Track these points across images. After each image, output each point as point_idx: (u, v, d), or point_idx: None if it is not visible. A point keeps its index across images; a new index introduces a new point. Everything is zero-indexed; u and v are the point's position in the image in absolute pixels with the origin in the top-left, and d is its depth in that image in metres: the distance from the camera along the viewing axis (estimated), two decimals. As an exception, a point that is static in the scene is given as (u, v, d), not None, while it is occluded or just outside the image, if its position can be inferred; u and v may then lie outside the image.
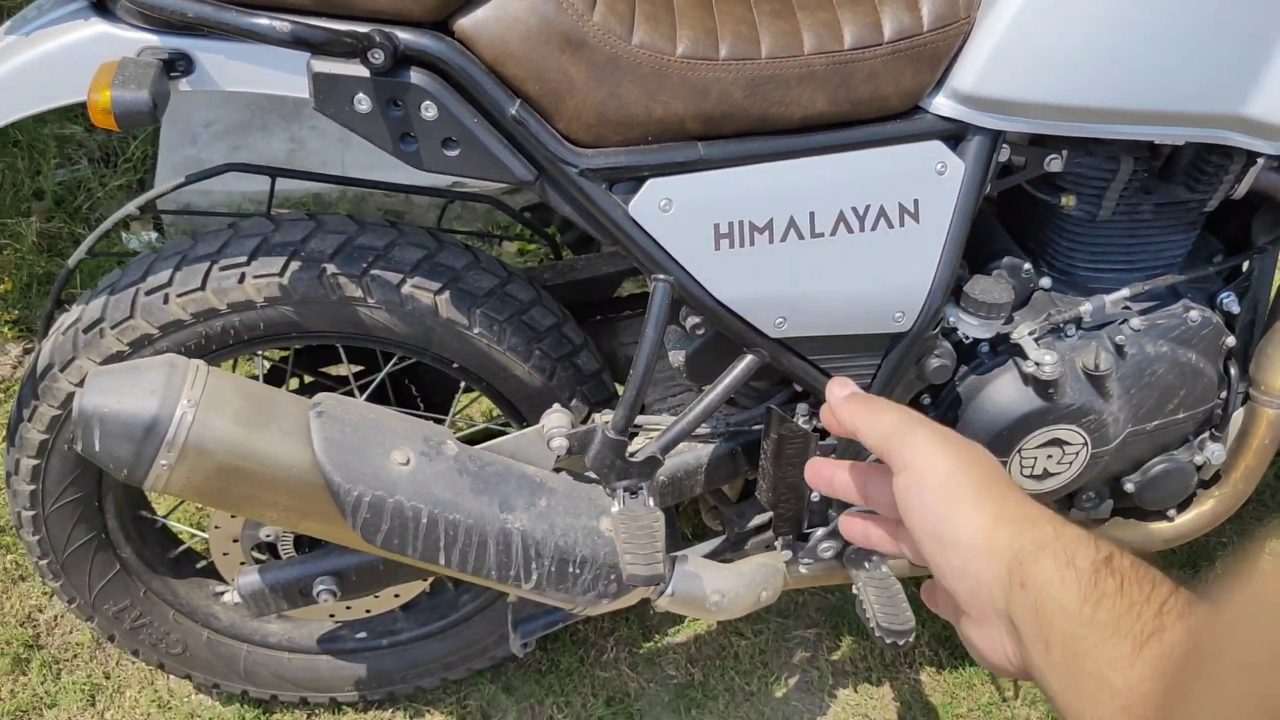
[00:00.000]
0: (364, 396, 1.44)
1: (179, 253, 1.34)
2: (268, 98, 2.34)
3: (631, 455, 1.30)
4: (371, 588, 1.47)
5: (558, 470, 1.35)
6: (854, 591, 1.51)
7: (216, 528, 1.49)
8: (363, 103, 1.09)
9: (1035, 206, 1.45)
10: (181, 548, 1.62)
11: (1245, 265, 1.52)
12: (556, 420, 1.31)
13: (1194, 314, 1.47)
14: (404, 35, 1.07)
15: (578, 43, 1.10)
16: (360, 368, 1.59)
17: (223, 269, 1.32)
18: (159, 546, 1.62)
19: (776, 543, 1.51)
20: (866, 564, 1.49)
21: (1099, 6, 1.17)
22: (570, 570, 1.30)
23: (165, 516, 1.61)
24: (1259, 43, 1.19)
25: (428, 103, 1.09)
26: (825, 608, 1.99)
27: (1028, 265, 1.43)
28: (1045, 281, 1.46)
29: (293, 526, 1.24)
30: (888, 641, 1.40)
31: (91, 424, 1.13)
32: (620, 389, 1.34)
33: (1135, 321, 1.45)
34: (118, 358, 1.34)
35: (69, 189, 2.44)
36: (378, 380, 1.51)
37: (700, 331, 1.28)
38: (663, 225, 1.19)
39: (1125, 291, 1.43)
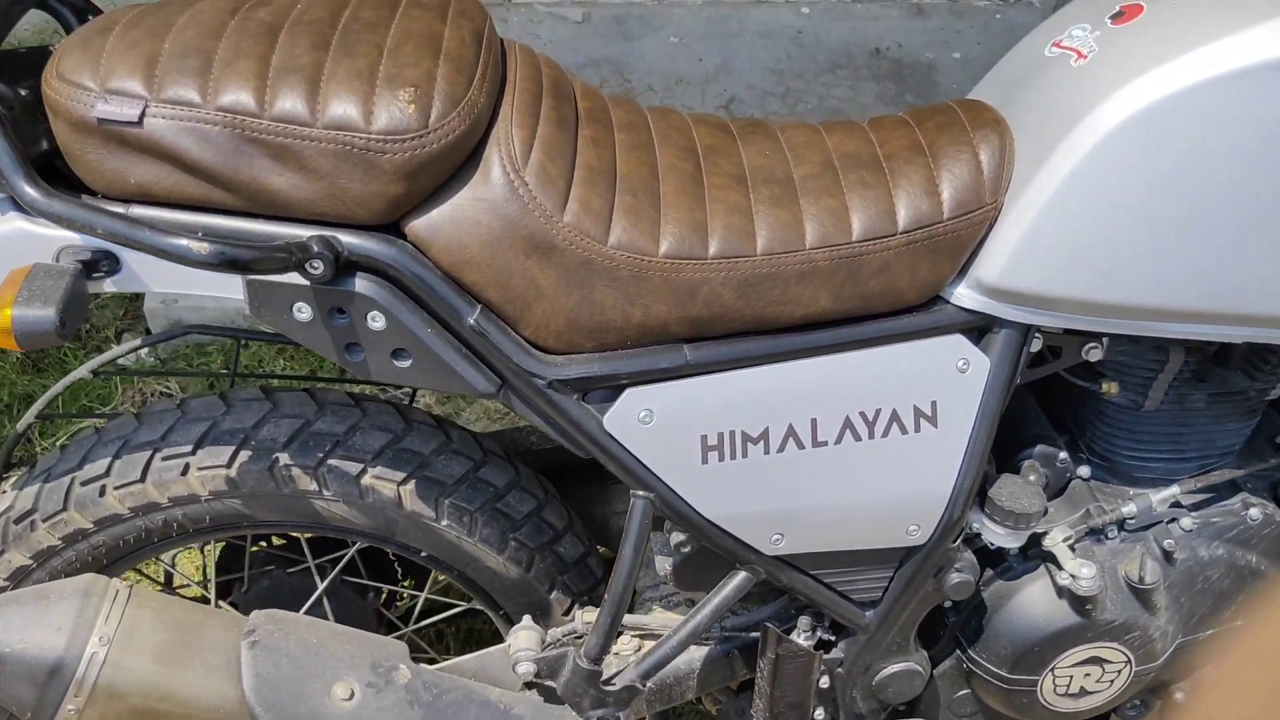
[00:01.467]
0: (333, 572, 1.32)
1: (120, 438, 1.22)
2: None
3: (607, 683, 1.16)
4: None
5: (529, 685, 1.21)
6: (865, 811, 1.35)
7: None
8: (303, 311, 0.97)
9: (1069, 388, 1.30)
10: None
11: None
12: (524, 640, 1.17)
13: (1254, 511, 1.30)
14: (349, 239, 0.95)
15: (545, 247, 0.97)
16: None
17: (165, 459, 1.20)
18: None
19: (779, 757, 1.35)
20: (879, 781, 1.33)
21: (1138, 198, 1.03)
22: (538, 809, 1.15)
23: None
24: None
25: (374, 312, 0.97)
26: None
27: (1064, 454, 1.27)
28: (1084, 470, 1.30)
29: (221, 765, 1.11)
30: None
31: (-8, 662, 1.00)
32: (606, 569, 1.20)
33: (1186, 521, 1.28)
34: (48, 553, 1.22)
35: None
36: (345, 560, 1.38)
37: (686, 549, 1.13)
38: (643, 438, 1.05)
39: (1175, 489, 1.27)
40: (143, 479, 1.19)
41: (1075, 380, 1.26)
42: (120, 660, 1.01)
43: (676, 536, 1.13)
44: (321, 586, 1.35)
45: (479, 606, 1.41)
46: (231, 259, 0.88)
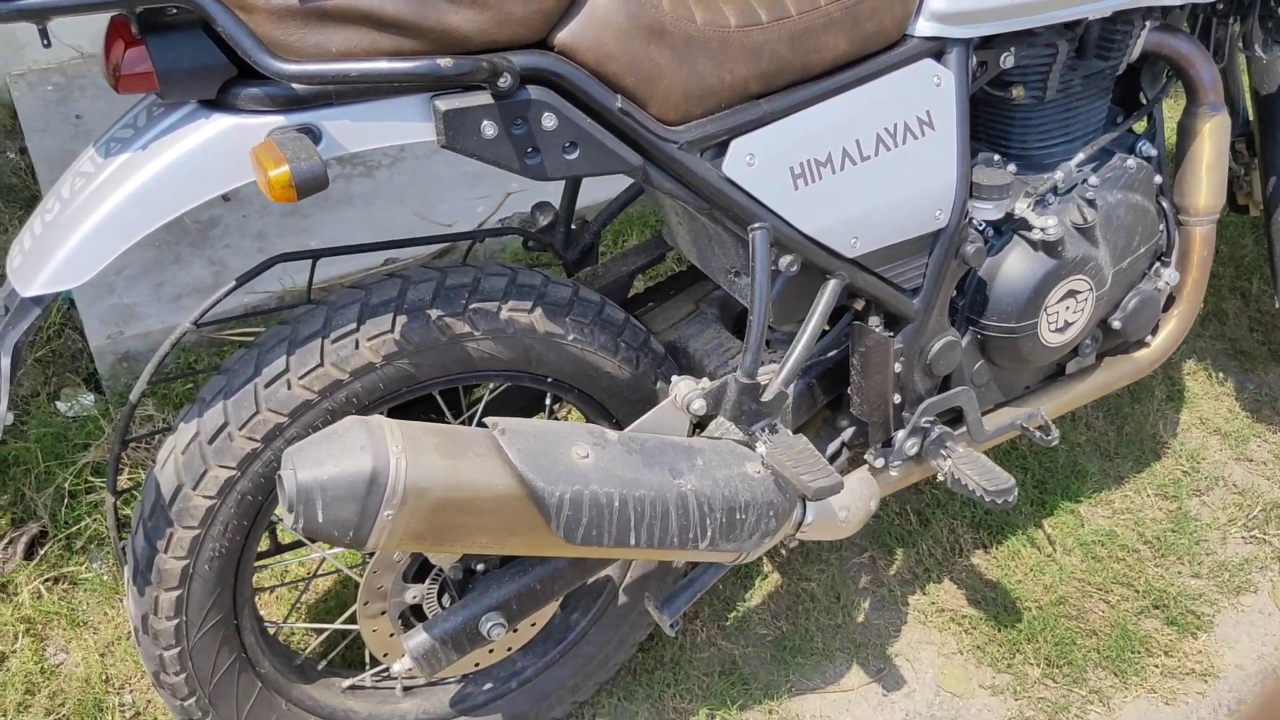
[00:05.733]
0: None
1: (283, 340, 1.36)
2: (167, 229, 2.32)
3: (762, 394, 1.42)
4: (531, 611, 1.51)
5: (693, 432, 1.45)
6: (941, 478, 1.69)
7: (365, 604, 1.49)
8: (489, 128, 1.18)
9: (985, 107, 1.68)
10: (308, 649, 1.60)
11: (1149, 116, 1.81)
12: (687, 386, 1.41)
13: (1130, 162, 1.74)
14: (517, 58, 1.17)
15: (660, 31, 1.23)
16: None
17: (334, 340, 1.35)
18: (285, 655, 1.59)
19: (868, 454, 1.66)
20: (944, 450, 1.67)
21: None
22: (737, 517, 1.40)
23: (284, 621, 1.59)
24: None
25: (548, 114, 1.19)
26: (867, 533, 2.15)
27: (997, 156, 1.66)
28: (1011, 167, 1.69)
29: (499, 547, 1.28)
30: (999, 502, 1.58)
31: (313, 496, 1.14)
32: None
33: (1093, 179, 1.70)
34: (250, 457, 1.34)
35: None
36: (479, 410, 1.55)
37: (793, 268, 1.42)
38: (751, 178, 1.33)
39: (1080, 156, 1.68)
40: (322, 362, 1.34)
41: (994, 93, 1.64)
42: (418, 460, 1.17)
43: (785, 259, 1.41)
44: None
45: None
46: (462, 71, 1.09)
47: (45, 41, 1.03)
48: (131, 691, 1.83)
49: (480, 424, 1.34)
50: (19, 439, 2.13)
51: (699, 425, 1.49)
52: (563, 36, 1.20)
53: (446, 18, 1.13)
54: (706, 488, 1.37)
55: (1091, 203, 1.68)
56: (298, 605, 1.86)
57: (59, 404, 2.23)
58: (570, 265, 1.78)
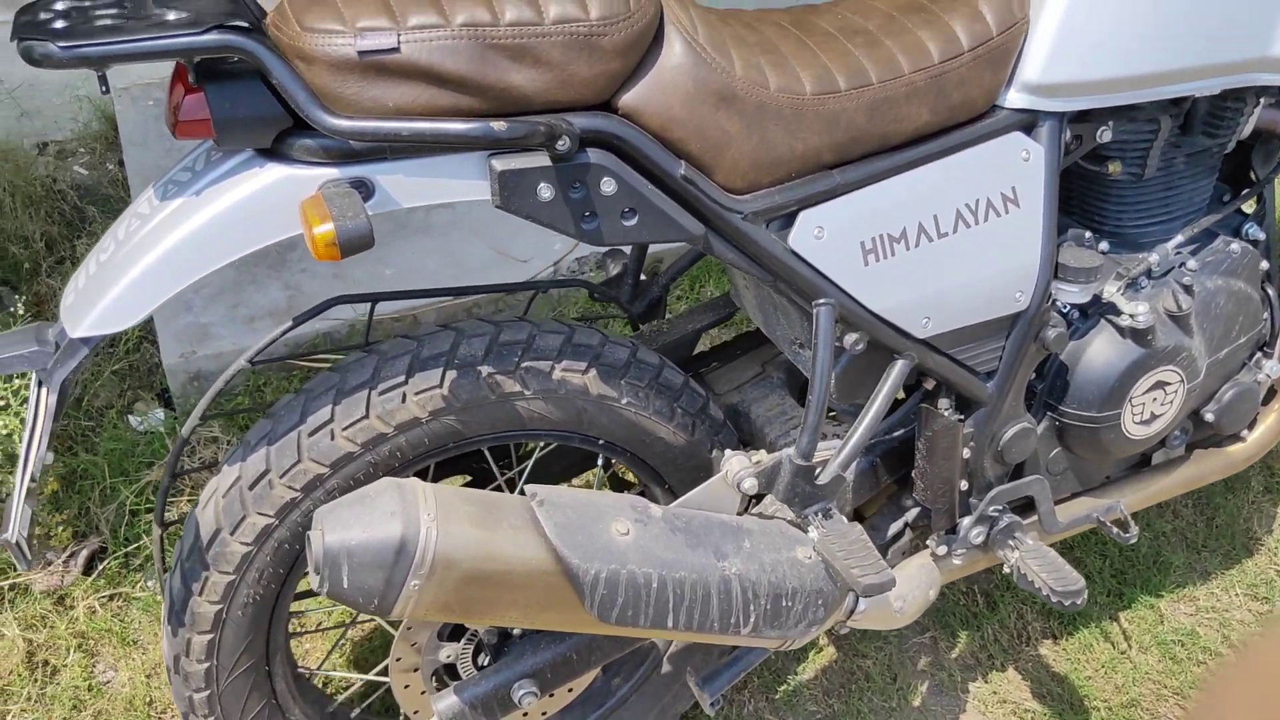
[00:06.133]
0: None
1: (330, 388, 1.34)
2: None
3: (818, 478, 1.36)
4: (566, 680, 1.47)
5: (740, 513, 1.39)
6: (1006, 570, 1.59)
7: (397, 660, 1.46)
8: (545, 191, 1.14)
9: (1078, 180, 1.59)
10: (342, 697, 1.57)
11: (1258, 196, 1.70)
12: (739, 463, 1.35)
13: (1234, 246, 1.63)
14: (578, 120, 1.13)
15: (729, 97, 1.18)
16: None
17: (382, 393, 1.32)
18: (318, 701, 1.56)
19: (930, 540, 1.57)
20: (1011, 541, 1.58)
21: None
22: (784, 604, 1.33)
23: (318, 667, 1.57)
24: (1276, -9, 1.37)
25: (607, 178, 1.15)
26: (930, 611, 2.06)
27: (1089, 234, 1.57)
28: (1104, 245, 1.59)
29: (530, 622, 1.24)
30: (1066, 604, 1.48)
31: (339, 560, 1.11)
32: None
33: (1191, 263, 1.60)
34: (289, 507, 1.32)
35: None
36: (527, 469, 1.52)
37: (859, 346, 1.35)
38: (819, 252, 1.27)
39: (1179, 238, 1.58)
40: (367, 414, 1.32)
41: (1088, 167, 1.55)
42: (449, 530, 1.14)
43: (850, 337, 1.34)
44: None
45: (644, 493, 1.58)
46: (518, 135, 1.05)
47: (104, 88, 1.03)
48: (173, 718, 1.83)
49: (523, 489, 1.30)
50: (89, 451, 2.17)
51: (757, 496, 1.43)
52: (627, 99, 1.16)
53: (508, 77, 1.10)
54: (752, 572, 1.31)
55: (1188, 289, 1.58)
56: (336, 648, 1.84)
57: (131, 418, 2.26)
58: (636, 318, 1.74)
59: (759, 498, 1.42)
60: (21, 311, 2.37)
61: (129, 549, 2.02)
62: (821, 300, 1.29)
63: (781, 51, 1.26)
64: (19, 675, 1.86)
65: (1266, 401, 1.79)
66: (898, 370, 1.38)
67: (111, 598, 1.99)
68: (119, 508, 2.07)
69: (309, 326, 2.19)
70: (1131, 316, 1.50)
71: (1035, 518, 1.62)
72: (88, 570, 2.01)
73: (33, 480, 1.12)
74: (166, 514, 1.51)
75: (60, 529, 2.02)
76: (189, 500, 2.12)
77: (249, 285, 2.36)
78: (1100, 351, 1.54)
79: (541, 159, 1.12)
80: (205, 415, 1.42)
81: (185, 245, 1.10)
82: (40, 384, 1.16)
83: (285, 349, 2.17)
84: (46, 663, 1.89)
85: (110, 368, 2.33)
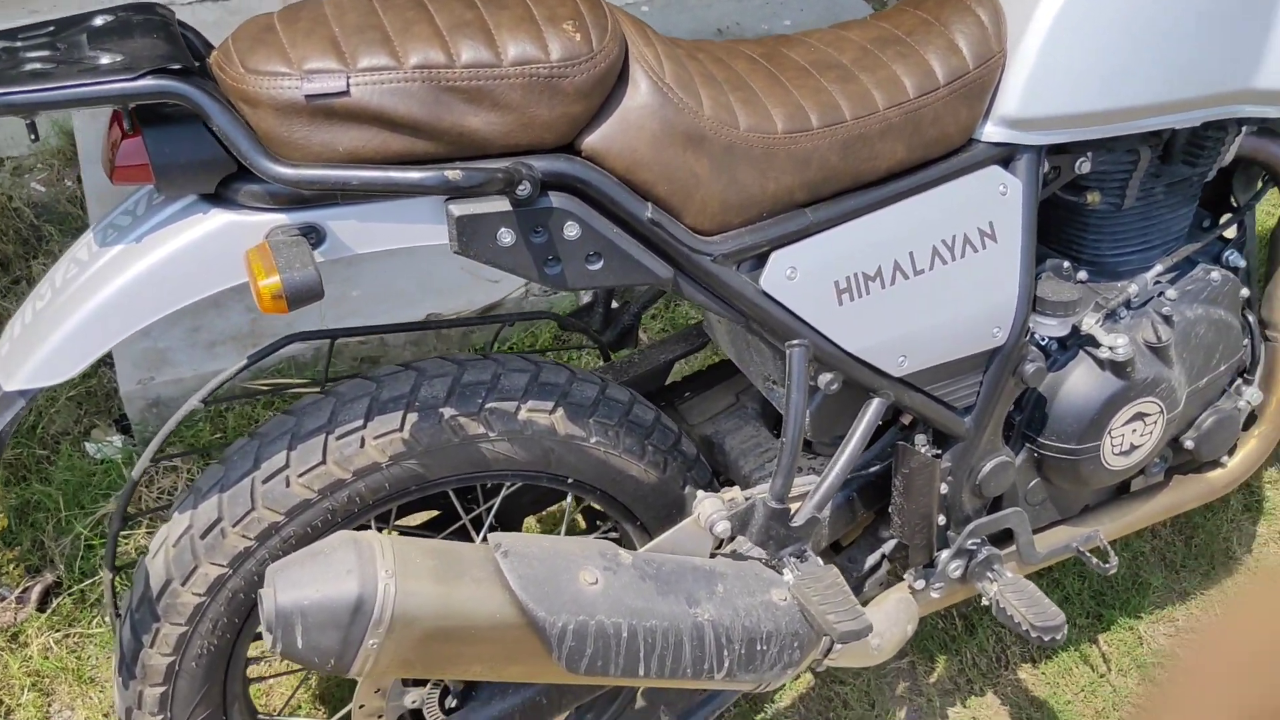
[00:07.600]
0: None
1: (284, 433, 1.29)
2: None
3: (792, 520, 1.32)
4: (535, 727, 1.43)
5: (712, 555, 1.36)
6: (985, 603, 1.57)
7: (360, 707, 1.42)
8: (506, 236, 1.09)
9: (1057, 210, 1.56)
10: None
11: (1238, 224, 1.68)
12: (712, 505, 1.32)
13: (1215, 274, 1.61)
14: (539, 163, 1.09)
15: (698, 138, 1.14)
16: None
17: (339, 437, 1.27)
18: (279, 750, 1.52)
19: (907, 574, 1.54)
20: (990, 573, 1.55)
21: (1118, 17, 1.29)
22: (758, 648, 1.30)
23: (279, 713, 1.52)
24: (1258, 21, 1.33)
25: (570, 223, 1.11)
26: (908, 636, 2.03)
27: (1067, 264, 1.53)
28: (1082, 275, 1.56)
29: (496, 675, 1.20)
30: (1045, 640, 1.46)
31: (293, 620, 1.07)
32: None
33: (1171, 292, 1.57)
34: (242, 556, 1.27)
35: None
36: (494, 507, 1.48)
37: (834, 386, 1.31)
38: (792, 292, 1.23)
39: (1158, 268, 1.55)
40: (324, 460, 1.27)
41: (1067, 197, 1.52)
42: (408, 587, 1.09)
43: (825, 376, 1.30)
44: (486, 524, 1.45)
45: (616, 528, 1.54)
46: (474, 183, 1.01)
47: (33, 136, 0.98)
48: (130, 759, 1.77)
49: (486, 537, 1.26)
50: (44, 482, 2.10)
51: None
52: (591, 141, 1.11)
53: (465, 120, 1.05)
54: (726, 617, 1.27)
55: (1168, 319, 1.55)
56: (299, 690, 1.79)
57: (88, 445, 2.20)
58: (607, 347, 1.69)
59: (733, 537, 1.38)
60: (-24, 334, 2.30)
61: (85, 584, 1.96)
62: (795, 341, 1.25)
63: (752, 88, 1.21)
64: (-28, 717, 1.80)
65: (1246, 427, 1.77)
66: (873, 409, 1.35)
67: (67, 635, 1.93)
68: (74, 540, 2.01)
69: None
70: (1111, 349, 1.47)
71: (1014, 549, 1.60)
72: (42, 606, 1.95)
73: None
74: (121, 551, 1.46)
75: (12, 566, 1.96)
76: (148, 532, 2.06)
77: (210, 309, 2.30)
78: (1079, 384, 1.50)
79: (502, 204, 1.08)
80: (156, 456, 1.38)
81: (124, 295, 1.05)
82: (-24, 438, 1.11)
83: (246, 377, 2.11)
84: (1, 702, 1.83)
85: (66, 393, 2.26)
